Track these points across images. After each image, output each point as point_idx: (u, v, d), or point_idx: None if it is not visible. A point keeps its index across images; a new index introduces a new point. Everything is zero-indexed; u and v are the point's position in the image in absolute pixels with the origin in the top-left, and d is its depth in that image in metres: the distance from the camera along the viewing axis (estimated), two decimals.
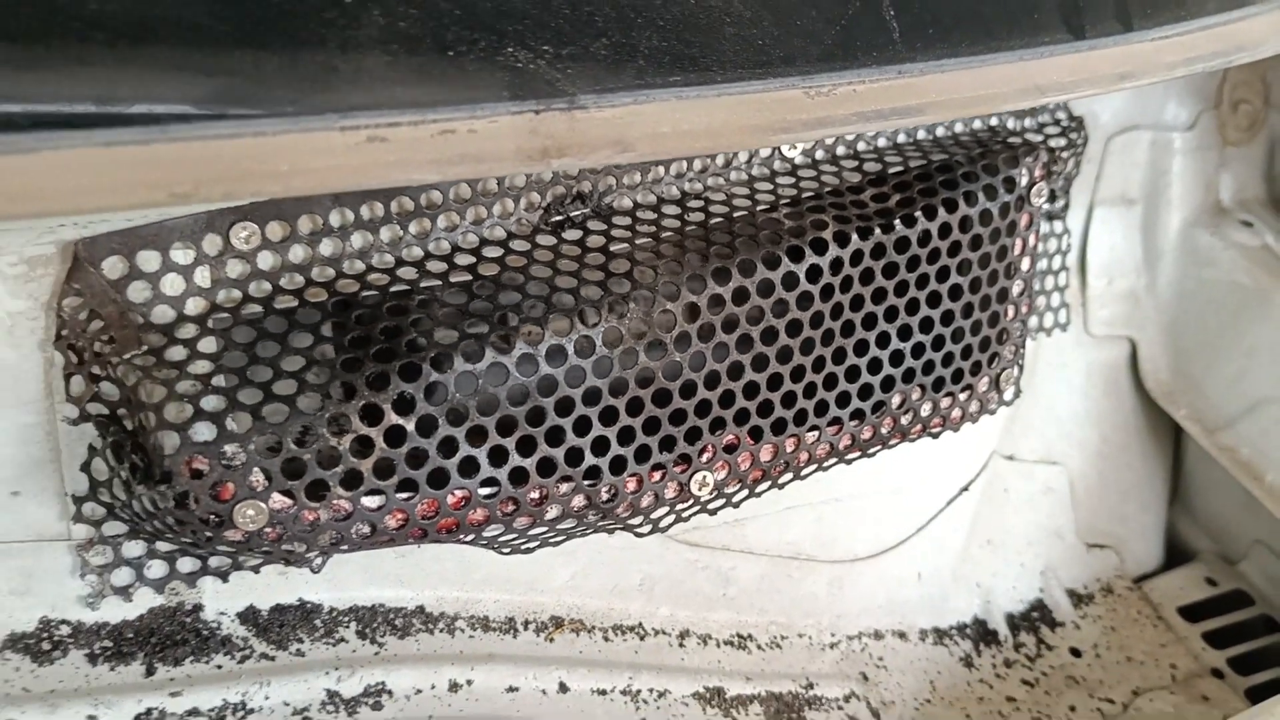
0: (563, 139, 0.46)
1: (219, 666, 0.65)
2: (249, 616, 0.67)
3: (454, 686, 0.68)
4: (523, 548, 0.67)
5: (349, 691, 0.65)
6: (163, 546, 0.64)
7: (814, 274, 0.68)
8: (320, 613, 0.69)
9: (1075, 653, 0.93)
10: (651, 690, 0.75)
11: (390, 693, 0.66)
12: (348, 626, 0.69)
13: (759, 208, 0.71)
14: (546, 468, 0.63)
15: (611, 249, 0.66)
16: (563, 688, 0.72)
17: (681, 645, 0.79)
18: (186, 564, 0.65)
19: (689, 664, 0.78)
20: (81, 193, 0.39)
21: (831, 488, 0.83)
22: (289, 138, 0.42)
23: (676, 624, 0.80)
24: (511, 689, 0.70)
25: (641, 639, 0.78)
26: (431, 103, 0.44)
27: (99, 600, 0.64)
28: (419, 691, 0.67)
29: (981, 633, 0.92)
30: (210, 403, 0.56)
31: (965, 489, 0.91)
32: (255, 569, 0.66)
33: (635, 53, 0.48)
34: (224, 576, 0.65)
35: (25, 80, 0.39)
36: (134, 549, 0.64)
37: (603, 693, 0.73)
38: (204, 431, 0.55)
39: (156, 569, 0.64)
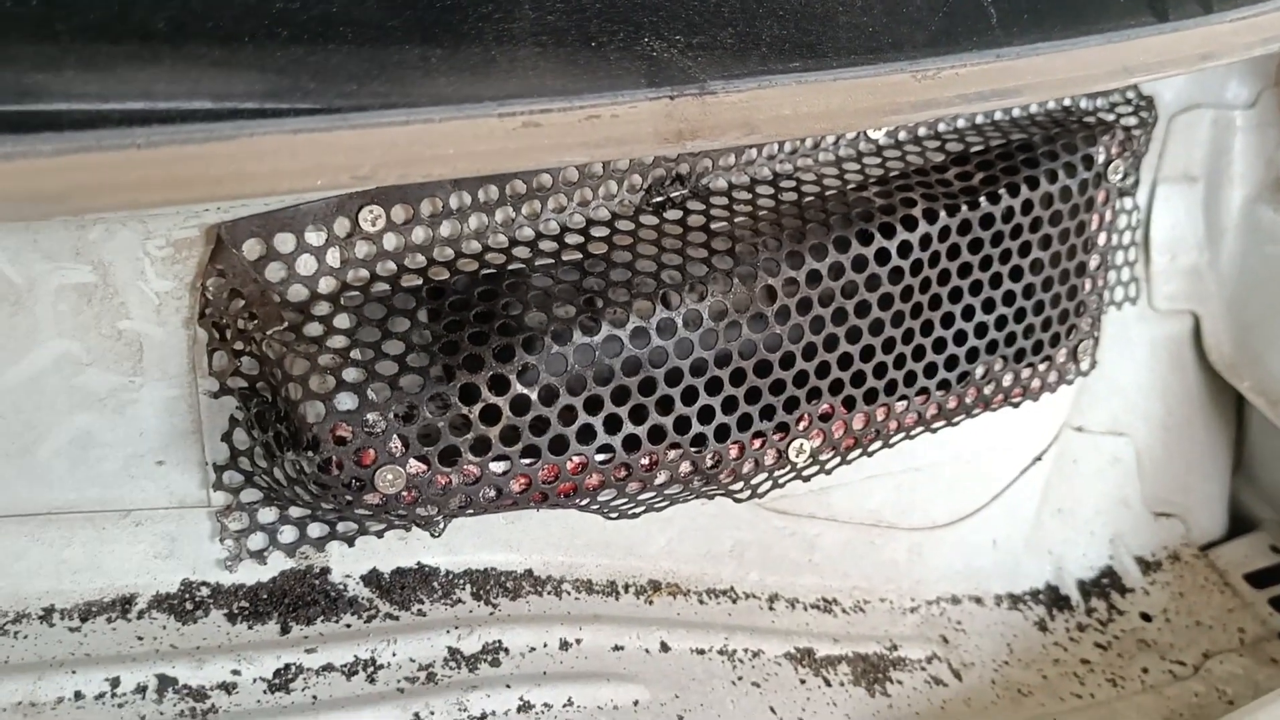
0: (696, 122, 0.50)
1: (348, 625, 0.69)
2: (372, 579, 0.71)
3: (564, 645, 0.72)
4: (630, 513, 0.71)
5: (469, 649, 0.69)
6: (294, 512, 0.68)
7: (905, 249, 0.71)
8: (438, 575, 0.73)
9: (1145, 617, 0.96)
10: (746, 650, 0.78)
11: (507, 650, 0.70)
12: (463, 589, 0.73)
13: (849, 187, 0.74)
14: (657, 435, 0.66)
15: (712, 227, 0.70)
16: (664, 647, 0.75)
17: (771, 608, 0.83)
18: (315, 529, 0.69)
19: (779, 626, 0.82)
20: (275, 175, 0.43)
21: (910, 457, 0.87)
22: (453, 124, 0.45)
23: (766, 588, 0.84)
24: (617, 648, 0.74)
25: (734, 602, 0.82)
26: (578, 90, 0.48)
27: (236, 563, 0.68)
28: (533, 650, 0.71)
29: (1054, 598, 0.95)
30: (351, 374, 0.60)
31: (1038, 459, 0.94)
32: (379, 534, 0.70)
33: (759, 41, 0.51)
34: (350, 541, 0.69)
35: (226, 76, 0.42)
36: (267, 515, 0.68)
37: (701, 652, 0.76)
38: (347, 401, 0.59)
39: (288, 534, 0.68)
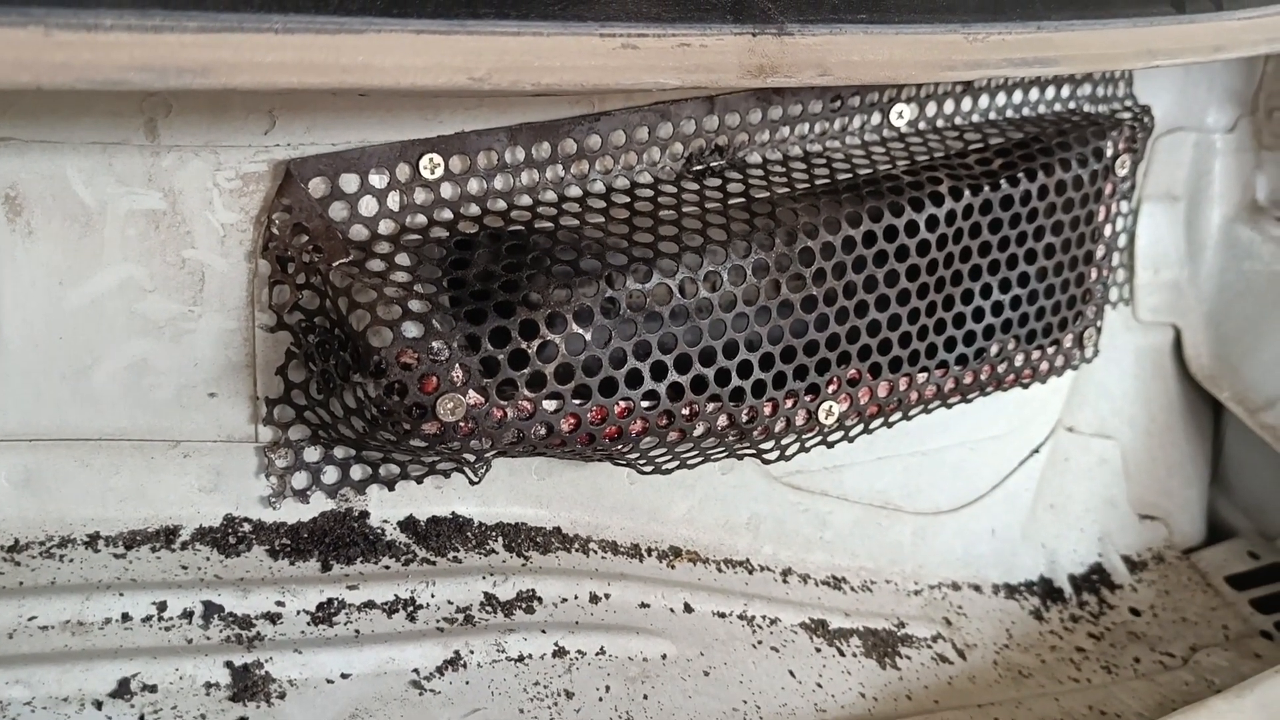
0: (775, 59, 0.53)
1: (386, 567, 0.69)
2: (409, 525, 0.72)
3: (594, 598, 0.73)
4: (664, 466, 0.72)
5: (504, 595, 0.70)
6: (338, 453, 0.69)
7: (931, 223, 0.74)
8: (471, 526, 0.74)
9: (1135, 612, 0.99)
10: (764, 617, 0.80)
11: (540, 599, 0.71)
12: (496, 540, 0.74)
13: (879, 166, 0.77)
14: (699, 385, 0.68)
15: (752, 194, 0.73)
16: (687, 608, 0.77)
17: (784, 581, 0.85)
18: (357, 471, 0.70)
19: (793, 598, 0.83)
20: (400, 70, 0.45)
21: (919, 441, 0.89)
22: (560, 39, 0.48)
23: (779, 562, 0.86)
24: (644, 605, 0.75)
25: (750, 573, 0.84)
26: (672, 19, 0.51)
27: (279, 500, 0.68)
28: (564, 600, 0.72)
29: (1048, 590, 0.98)
30: (415, 305, 0.61)
31: (1035, 451, 0.97)
32: (419, 479, 0.71)
33: None
34: (390, 485, 0.70)
35: None
36: (312, 455, 0.69)
37: (723, 615, 0.78)
38: (412, 329, 0.60)
39: (330, 475, 0.69)
